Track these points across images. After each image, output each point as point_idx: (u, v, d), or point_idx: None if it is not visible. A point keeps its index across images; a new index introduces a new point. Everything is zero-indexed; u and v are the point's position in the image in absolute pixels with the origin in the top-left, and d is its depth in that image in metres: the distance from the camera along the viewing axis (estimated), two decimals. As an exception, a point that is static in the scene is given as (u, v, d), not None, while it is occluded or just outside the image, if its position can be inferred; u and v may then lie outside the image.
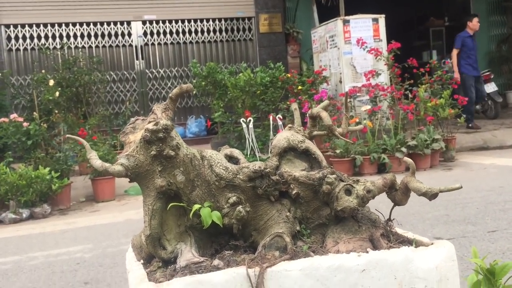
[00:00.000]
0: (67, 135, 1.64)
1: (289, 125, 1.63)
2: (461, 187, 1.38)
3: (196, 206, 1.41)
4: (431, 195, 1.40)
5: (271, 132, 7.26)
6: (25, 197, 6.08)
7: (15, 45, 9.47)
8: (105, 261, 4.20)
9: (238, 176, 1.46)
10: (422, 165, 7.30)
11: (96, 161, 1.41)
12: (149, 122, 1.45)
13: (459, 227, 4.39)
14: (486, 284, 1.49)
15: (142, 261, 1.51)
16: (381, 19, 8.61)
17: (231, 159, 1.61)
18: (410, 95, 7.75)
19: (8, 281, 3.90)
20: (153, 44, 10.24)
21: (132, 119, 1.55)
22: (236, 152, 1.63)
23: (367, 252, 1.39)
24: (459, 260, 3.46)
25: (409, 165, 1.46)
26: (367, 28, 8.50)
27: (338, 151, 7.10)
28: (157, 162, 1.44)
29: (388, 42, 8.03)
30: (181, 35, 10.36)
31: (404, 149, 7.14)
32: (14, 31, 9.46)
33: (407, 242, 1.51)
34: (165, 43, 10.31)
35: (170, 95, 1.54)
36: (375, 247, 1.46)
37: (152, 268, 1.42)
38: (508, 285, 1.50)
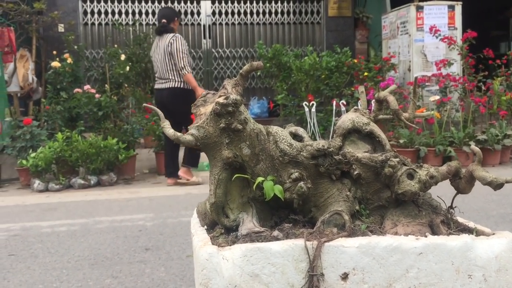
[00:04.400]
0: (144, 104, 1.73)
1: (355, 107, 1.64)
2: (529, 179, 1.35)
3: (260, 179, 1.46)
4: (497, 185, 1.38)
5: (334, 118, 7.21)
6: (94, 165, 6.42)
7: (90, 19, 9.90)
8: (165, 230, 4.39)
9: (301, 153, 1.50)
10: (491, 161, 7.02)
11: (169, 130, 1.50)
12: (220, 96, 1.52)
13: (525, 226, 4.22)
14: (548, 280, 1.45)
15: (205, 227, 1.59)
16: (458, 6, 8.27)
17: (295, 136, 1.65)
18: (483, 87, 7.43)
19: (76, 241, 4.16)
20: (220, 24, 10.38)
21: (204, 93, 1.62)
22: (301, 131, 1.67)
23: (426, 236, 1.40)
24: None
25: (476, 153, 1.45)
26: (442, 15, 8.20)
27: (401, 141, 6.96)
28: (225, 134, 1.50)
29: (464, 31, 7.71)
30: (248, 15, 10.42)
31: (472, 143, 6.89)
32: (90, 6, 9.88)
33: (468, 230, 1.50)
34: (233, 23, 10.41)
35: (240, 71, 1.60)
36: (434, 233, 1.46)
37: (215, 234, 1.49)
38: None
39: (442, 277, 1.35)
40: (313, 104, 7.26)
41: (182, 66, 5.89)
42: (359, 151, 1.54)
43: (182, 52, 5.89)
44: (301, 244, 1.33)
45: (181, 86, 6.04)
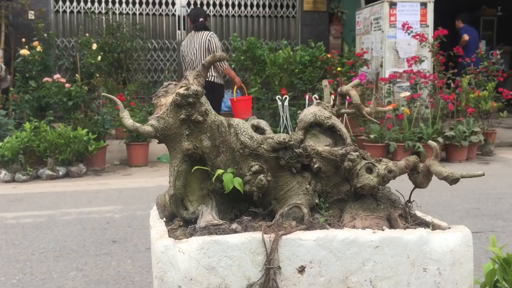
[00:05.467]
0: (103, 93, 1.70)
1: (317, 101, 1.64)
2: (483, 174, 1.37)
3: (219, 171, 1.46)
4: (452, 180, 1.40)
5: (306, 112, 7.24)
6: (63, 156, 6.31)
7: (62, 7, 9.68)
8: (133, 222, 4.35)
9: (262, 145, 1.49)
10: (458, 157, 7.17)
11: (128, 121, 1.47)
12: (181, 87, 1.50)
13: (489, 221, 4.32)
14: (501, 273, 1.49)
15: (164, 219, 1.57)
16: (430, 4, 8.39)
17: (257, 129, 1.65)
18: (452, 85, 7.57)
19: (42, 233, 4.09)
20: (196, 15, 10.28)
21: (165, 83, 1.60)
22: (263, 123, 1.66)
23: (383, 230, 1.41)
24: (484, 254, 3.42)
25: (433, 148, 1.46)
26: (414, 12, 8.31)
27: (372, 136, 7.04)
28: (185, 126, 1.48)
29: (435, 28, 7.82)
30: (224, 7, 10.36)
31: (440, 139, 7.02)
32: (62, -7, 9.68)
33: (425, 224, 1.52)
34: (208, 15, 10.32)
35: (203, 62, 1.58)
36: (392, 226, 1.48)
37: (173, 226, 1.48)
38: (524, 277, 1.50)
39: (398, 270, 1.36)
40: (286, 98, 7.28)
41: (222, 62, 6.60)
42: (320, 144, 1.54)
43: (220, 48, 6.64)
44: (259, 237, 1.33)
45: (212, 80, 6.61)
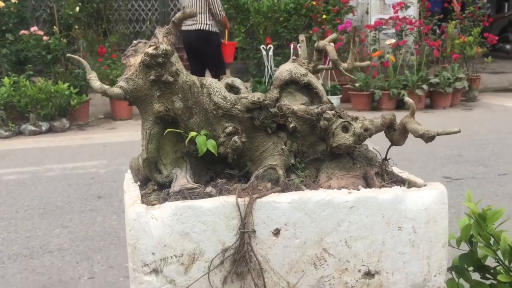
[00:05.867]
0: (68, 54, 1.63)
1: (293, 57, 1.59)
2: (459, 131, 1.36)
3: (192, 133, 1.42)
4: (428, 138, 1.39)
5: (291, 61, 7.15)
6: (45, 111, 6.21)
7: (37, -46, 9.26)
8: (118, 177, 4.34)
9: (236, 106, 1.45)
10: (442, 104, 7.18)
11: (95, 83, 1.42)
12: (150, 46, 1.44)
13: (470, 168, 4.38)
14: (476, 228, 1.50)
15: (139, 183, 1.55)
16: None
17: (232, 88, 1.60)
18: (438, 31, 7.48)
19: (26, 190, 4.07)
20: (177, -39, 9.91)
21: (135, 42, 1.54)
22: (237, 82, 1.61)
23: (359, 189, 1.40)
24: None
25: (409, 105, 1.44)
26: (400, -45, 8.07)
27: (357, 85, 7.00)
28: (155, 87, 1.43)
29: (421, -28, 7.64)
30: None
31: (425, 86, 7.00)
32: None
33: (401, 182, 1.51)
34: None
35: (173, 19, 1.51)
36: (368, 185, 1.47)
37: (147, 191, 1.46)
38: (498, 231, 1.51)
39: (373, 229, 1.37)
40: (270, 48, 7.16)
41: (220, 9, 6.63)
42: (296, 103, 1.51)
43: None
44: (233, 201, 1.31)
45: (207, 28, 6.61)
